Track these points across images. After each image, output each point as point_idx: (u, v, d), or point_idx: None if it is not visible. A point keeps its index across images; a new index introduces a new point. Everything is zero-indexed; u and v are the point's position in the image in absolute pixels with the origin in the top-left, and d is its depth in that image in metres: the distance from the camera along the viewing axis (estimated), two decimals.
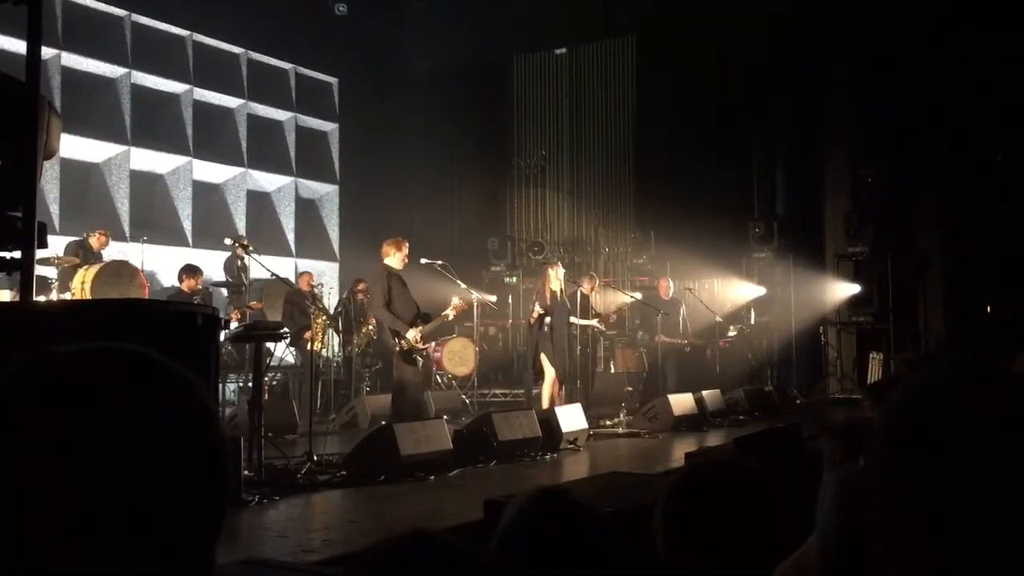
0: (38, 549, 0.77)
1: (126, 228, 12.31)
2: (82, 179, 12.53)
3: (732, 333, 13.79)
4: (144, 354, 0.87)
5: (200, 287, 10.46)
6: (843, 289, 14.36)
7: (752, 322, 14.31)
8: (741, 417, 10.67)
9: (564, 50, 16.95)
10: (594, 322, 10.68)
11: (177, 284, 10.52)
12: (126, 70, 12.69)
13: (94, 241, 10.16)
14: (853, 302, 14.34)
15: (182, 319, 4.28)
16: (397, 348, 8.11)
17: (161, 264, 12.10)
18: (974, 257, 13.28)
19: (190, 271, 10.41)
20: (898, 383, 0.96)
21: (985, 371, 0.90)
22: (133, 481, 0.79)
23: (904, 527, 0.84)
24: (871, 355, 13.92)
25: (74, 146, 11.86)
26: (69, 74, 12.07)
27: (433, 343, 10.31)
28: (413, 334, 8.09)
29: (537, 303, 9.64)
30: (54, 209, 11.55)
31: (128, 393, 0.82)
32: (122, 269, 9.33)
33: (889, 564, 0.87)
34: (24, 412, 0.80)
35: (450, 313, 8.65)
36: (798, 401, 12.85)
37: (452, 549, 1.14)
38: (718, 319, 12.87)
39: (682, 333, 12.01)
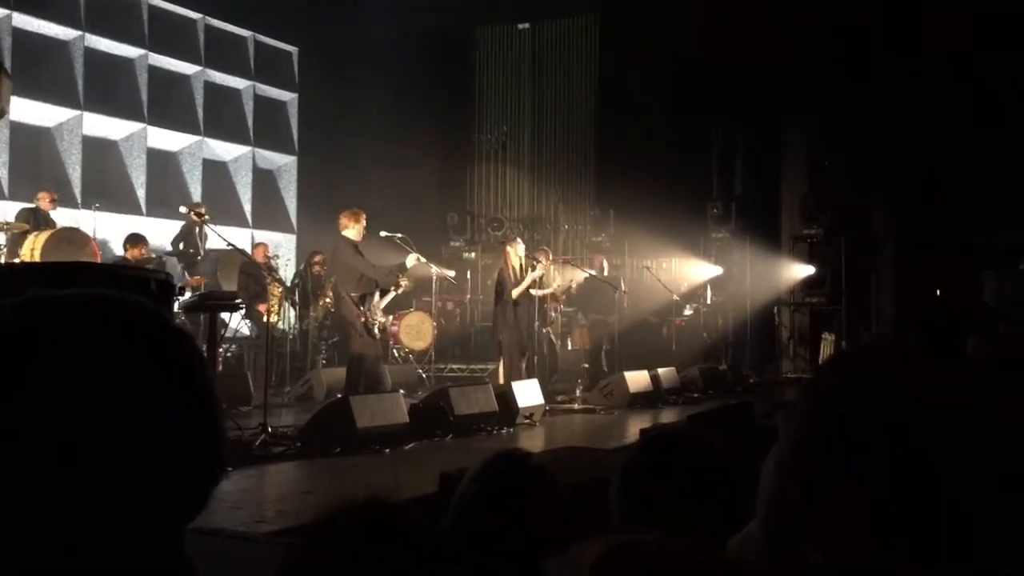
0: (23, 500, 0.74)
1: (78, 195, 12.06)
2: (33, 144, 12.24)
3: (688, 312, 13.90)
4: (144, 305, 0.85)
5: (145, 256, 10.26)
6: (798, 270, 14.55)
7: (708, 301, 14.44)
8: (696, 395, 10.79)
9: (527, 25, 16.87)
10: (554, 285, 10.56)
11: (122, 254, 10.33)
12: (80, 33, 12.38)
13: (43, 204, 9.97)
14: (807, 283, 14.55)
15: (135, 284, 4.22)
16: (362, 319, 8.05)
17: (113, 232, 11.86)
18: (925, 241, 13.51)
19: (135, 240, 10.21)
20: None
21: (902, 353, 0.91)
22: (123, 434, 0.77)
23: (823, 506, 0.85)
24: (823, 336, 14.15)
25: (25, 110, 11.57)
26: (21, 35, 11.74)
27: (391, 316, 10.24)
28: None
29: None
30: (3, 174, 11.29)
31: (126, 343, 0.80)
32: (73, 236, 9.17)
33: (812, 541, 0.87)
34: (13, 355, 0.77)
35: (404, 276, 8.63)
36: (752, 380, 13.01)
37: (406, 517, 1.14)
38: (675, 298, 12.96)
39: (618, 311, 12.03)
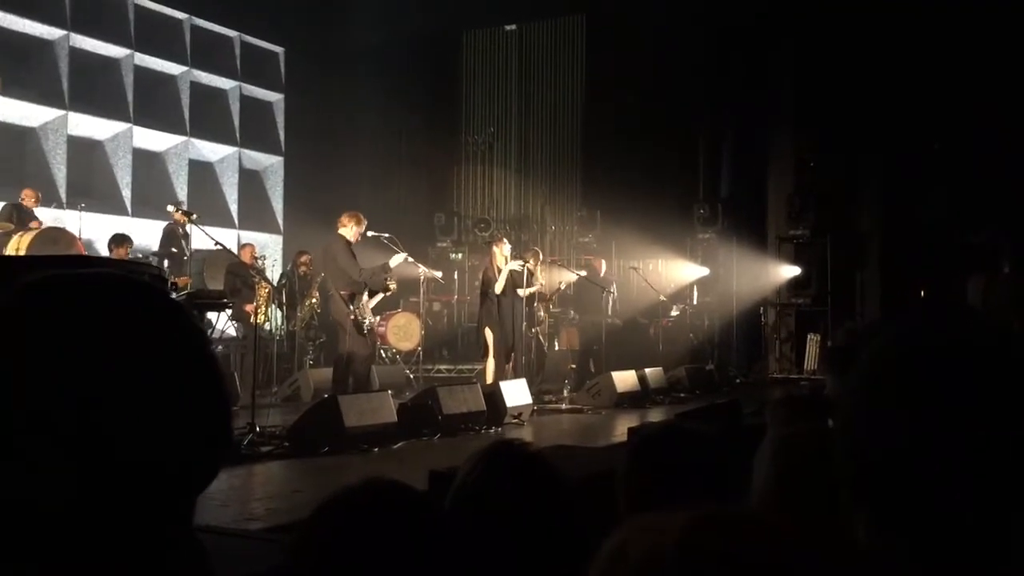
0: (32, 479, 0.75)
1: (63, 195, 11.99)
2: (17, 144, 12.17)
3: (675, 312, 13.94)
4: (147, 282, 0.86)
5: (130, 256, 10.21)
6: (784, 271, 14.60)
7: (695, 302, 14.48)
8: (682, 395, 10.82)
9: (514, 27, 16.89)
10: (539, 283, 10.55)
11: (107, 254, 10.26)
12: (64, 32, 12.32)
13: (27, 201, 9.93)
14: (793, 284, 14.60)
15: None
16: (352, 318, 8.05)
17: (98, 232, 11.80)
18: (909, 241, 13.59)
19: (119, 240, 10.14)
20: (856, 350, 0.98)
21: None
22: (135, 406, 0.77)
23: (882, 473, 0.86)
24: (809, 336, 14.21)
25: (9, 109, 11.52)
26: (5, 35, 11.70)
27: (378, 317, 10.19)
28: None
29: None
30: None
31: (137, 317, 0.81)
32: (59, 236, 9.12)
33: (858, 510, 0.89)
34: (24, 334, 0.78)
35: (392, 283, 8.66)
36: (738, 380, 13.05)
37: (408, 493, 1.15)
38: (662, 298, 12.99)
39: (614, 312, 12.09)
